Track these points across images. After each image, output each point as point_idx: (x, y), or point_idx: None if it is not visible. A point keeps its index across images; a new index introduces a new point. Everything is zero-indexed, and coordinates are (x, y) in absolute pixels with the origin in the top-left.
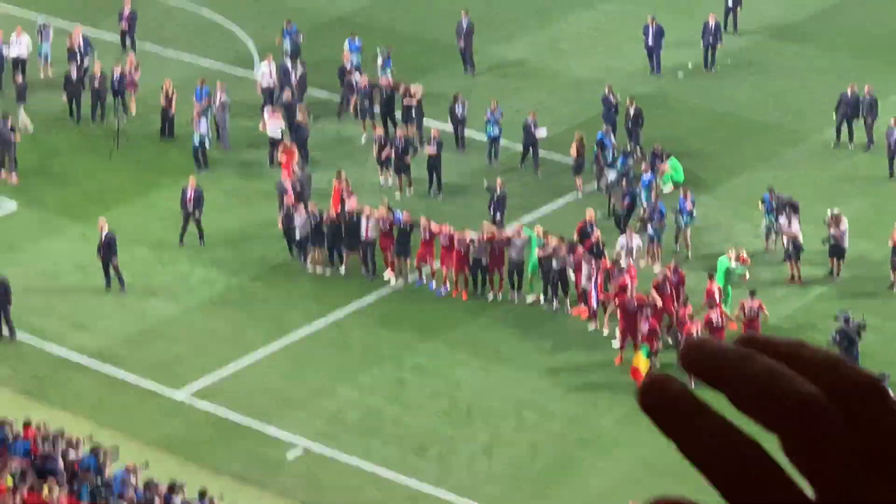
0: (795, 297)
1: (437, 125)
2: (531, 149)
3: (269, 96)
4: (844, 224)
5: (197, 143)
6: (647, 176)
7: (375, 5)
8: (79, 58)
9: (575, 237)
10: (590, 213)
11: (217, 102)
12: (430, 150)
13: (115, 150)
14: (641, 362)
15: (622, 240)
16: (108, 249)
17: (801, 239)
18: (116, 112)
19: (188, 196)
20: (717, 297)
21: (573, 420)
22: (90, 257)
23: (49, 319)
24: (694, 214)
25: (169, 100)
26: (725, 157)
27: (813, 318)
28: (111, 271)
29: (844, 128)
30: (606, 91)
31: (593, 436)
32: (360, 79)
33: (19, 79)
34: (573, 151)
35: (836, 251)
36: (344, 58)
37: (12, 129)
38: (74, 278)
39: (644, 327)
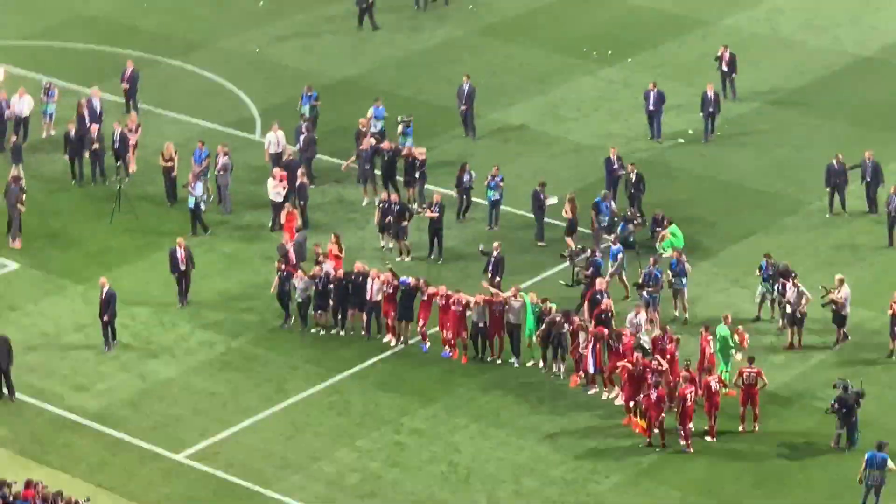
0: (794, 364)
1: (438, 189)
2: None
3: (277, 163)
4: (846, 290)
5: (192, 206)
6: (615, 248)
7: (379, 69)
8: (87, 120)
9: (584, 304)
10: (600, 283)
11: (218, 165)
12: (431, 213)
13: (118, 211)
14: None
15: (630, 316)
16: (106, 307)
17: (805, 305)
18: (118, 173)
19: (179, 256)
20: (708, 356)
21: (572, 485)
22: (91, 318)
23: (49, 380)
24: (688, 276)
25: (170, 162)
26: (726, 225)
27: (812, 386)
28: (107, 330)
29: (837, 198)
30: (612, 155)
31: (592, 502)
32: (382, 144)
33: (13, 139)
34: (566, 212)
35: (838, 318)
36: (361, 123)
37: (23, 191)
38: (75, 339)
39: (653, 395)
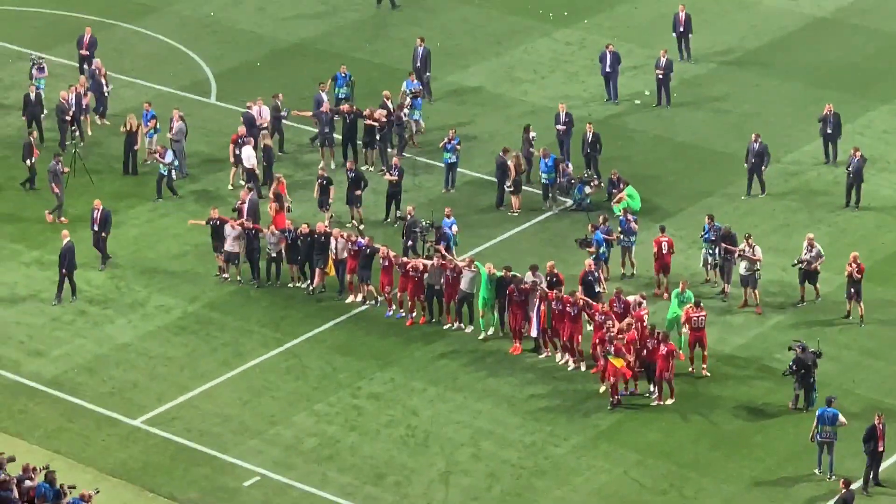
0: (751, 325)
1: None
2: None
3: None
4: (817, 248)
5: (163, 172)
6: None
7: (334, 32)
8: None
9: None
10: (589, 263)
11: (173, 129)
12: (390, 177)
13: (72, 176)
14: (618, 362)
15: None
16: (63, 260)
17: (759, 266)
18: (72, 137)
19: (94, 217)
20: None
21: (530, 448)
22: (46, 284)
23: (4, 346)
24: (636, 233)
25: (133, 134)
26: (682, 186)
27: (770, 347)
28: (63, 283)
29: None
30: (561, 111)
31: (550, 465)
32: (342, 107)
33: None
34: (511, 171)
35: (810, 276)
36: (321, 88)
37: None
38: (31, 306)
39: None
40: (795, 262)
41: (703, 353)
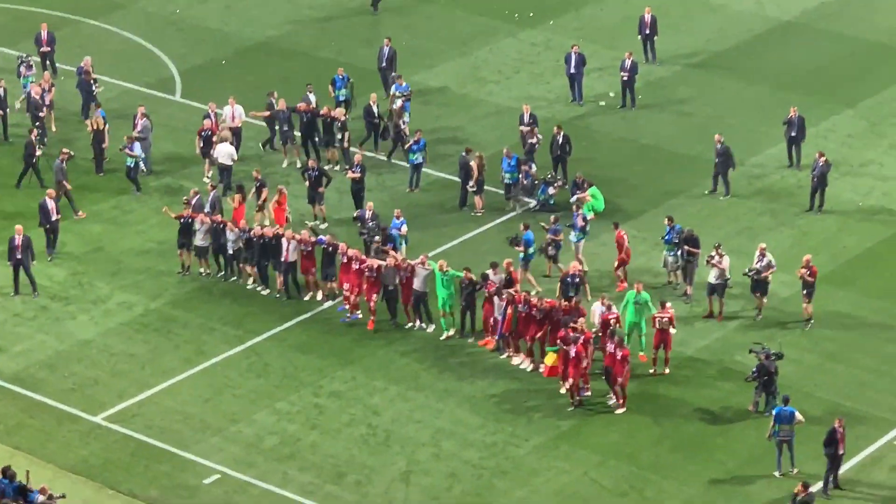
0: (713, 328)
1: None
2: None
3: (238, 137)
4: (768, 258)
5: (130, 165)
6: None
7: (298, 31)
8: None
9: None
10: (573, 266)
11: (138, 127)
12: (352, 174)
13: (29, 176)
14: (551, 359)
15: (596, 306)
16: (12, 253)
17: (728, 273)
18: (38, 135)
19: (50, 208)
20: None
21: (491, 449)
22: (5, 280)
23: None
24: (586, 231)
25: (100, 132)
26: (647, 188)
27: (731, 349)
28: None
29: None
30: (524, 112)
31: (511, 465)
32: (299, 105)
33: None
34: (474, 171)
35: (760, 286)
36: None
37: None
38: None
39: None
40: (746, 270)
41: (665, 355)
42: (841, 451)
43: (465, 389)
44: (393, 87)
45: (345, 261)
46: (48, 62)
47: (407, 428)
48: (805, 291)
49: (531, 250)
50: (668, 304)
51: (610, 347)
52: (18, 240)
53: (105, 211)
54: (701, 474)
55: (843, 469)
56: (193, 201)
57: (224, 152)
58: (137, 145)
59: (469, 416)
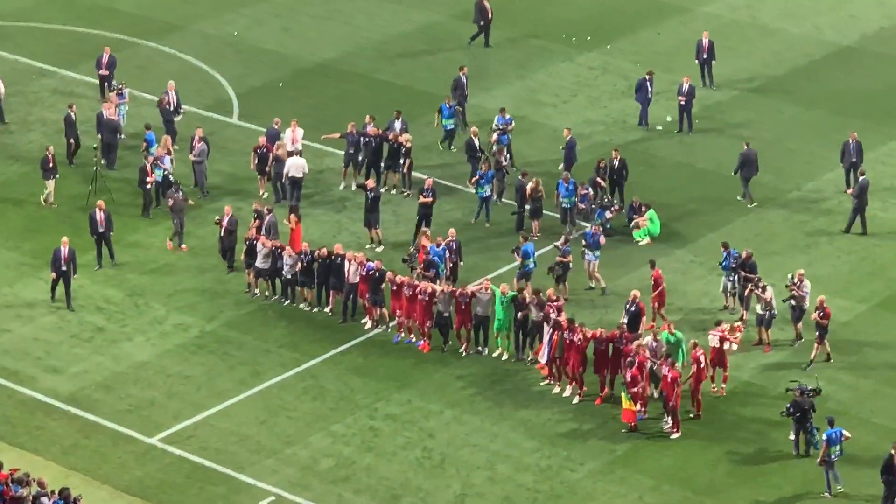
0: (770, 352)
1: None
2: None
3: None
4: (807, 286)
5: (159, 179)
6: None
7: (356, 53)
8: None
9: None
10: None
11: (195, 150)
12: (424, 198)
13: (93, 194)
14: (626, 402)
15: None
16: (57, 264)
17: (774, 304)
18: (95, 155)
19: (98, 219)
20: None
21: (546, 472)
22: (60, 298)
23: (22, 362)
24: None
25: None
26: (703, 213)
27: (788, 374)
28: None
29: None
30: (566, 136)
31: (565, 489)
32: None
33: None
34: (529, 196)
35: (798, 313)
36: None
37: (185, 198)
38: (49, 321)
39: (627, 375)
40: (786, 298)
41: (723, 374)
42: None
43: (520, 413)
44: (496, 119)
45: (394, 288)
46: (106, 84)
47: (462, 451)
48: (818, 333)
49: (529, 262)
50: (724, 324)
51: (665, 370)
52: (64, 251)
53: (161, 232)
54: (756, 499)
55: None
56: (268, 219)
57: (295, 165)
58: (167, 158)
59: (524, 439)
